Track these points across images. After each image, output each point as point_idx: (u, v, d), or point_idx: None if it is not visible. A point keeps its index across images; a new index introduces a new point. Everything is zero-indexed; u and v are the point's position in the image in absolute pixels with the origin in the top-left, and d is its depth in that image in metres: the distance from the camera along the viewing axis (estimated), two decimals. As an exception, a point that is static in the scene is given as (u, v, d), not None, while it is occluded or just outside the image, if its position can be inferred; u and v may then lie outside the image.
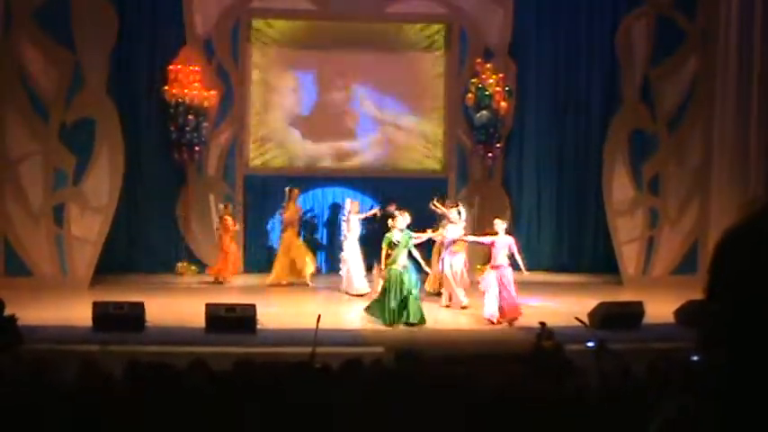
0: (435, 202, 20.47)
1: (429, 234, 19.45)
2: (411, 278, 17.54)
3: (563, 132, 24.48)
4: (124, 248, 23.26)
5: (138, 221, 23.43)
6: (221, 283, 21.94)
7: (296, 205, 22.22)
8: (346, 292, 20.59)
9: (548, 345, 12.29)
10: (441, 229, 19.73)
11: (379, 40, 24.20)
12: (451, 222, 19.39)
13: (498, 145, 23.89)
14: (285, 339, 15.25)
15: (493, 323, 17.38)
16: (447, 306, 19.09)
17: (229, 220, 22.33)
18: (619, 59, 23.06)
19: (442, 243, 19.72)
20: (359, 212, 21.17)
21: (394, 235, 17.66)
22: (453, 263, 19.18)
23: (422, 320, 17.16)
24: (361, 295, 20.08)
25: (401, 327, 17.00)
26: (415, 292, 17.41)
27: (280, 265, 22.04)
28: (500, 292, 17.41)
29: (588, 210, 24.42)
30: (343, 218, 21.23)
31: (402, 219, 18.00)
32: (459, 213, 19.57)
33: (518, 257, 17.65)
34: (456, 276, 19.18)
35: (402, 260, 17.60)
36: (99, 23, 21.38)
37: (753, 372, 1.66)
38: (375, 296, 18.13)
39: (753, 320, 1.66)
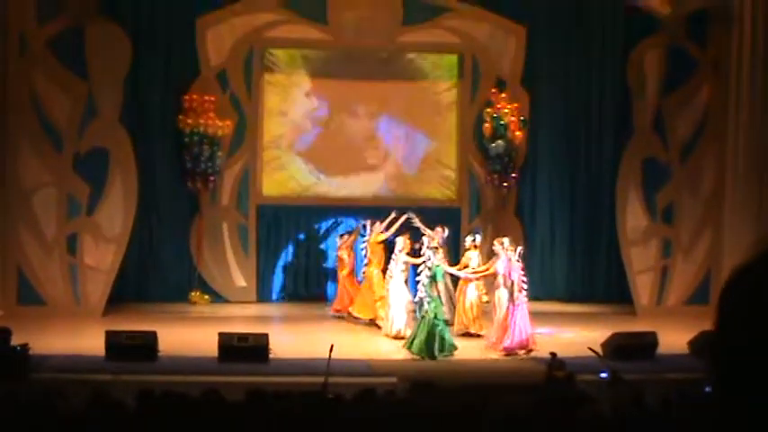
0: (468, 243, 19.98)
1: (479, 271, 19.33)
2: None
3: (576, 161, 24.46)
4: (137, 278, 23.26)
5: (152, 251, 23.43)
6: (343, 317, 21.19)
7: (379, 240, 20.87)
8: (386, 334, 19.22)
9: (560, 374, 12.28)
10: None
11: (392, 70, 24.27)
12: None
13: (513, 175, 23.87)
14: (298, 369, 15.25)
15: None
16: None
17: (344, 254, 21.58)
18: (631, 88, 23.07)
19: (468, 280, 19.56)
20: (411, 252, 19.60)
21: (440, 267, 17.74)
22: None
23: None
24: (401, 338, 18.68)
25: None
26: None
27: (363, 300, 20.77)
28: (506, 323, 17.38)
29: (601, 239, 24.36)
30: (393, 257, 19.69)
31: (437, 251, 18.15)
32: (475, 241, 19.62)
33: (512, 282, 17.53)
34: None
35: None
36: (112, 53, 21.46)
37: (763, 404, 1.66)
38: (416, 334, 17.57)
39: (762, 359, 1.66)
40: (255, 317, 21.80)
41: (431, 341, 17.00)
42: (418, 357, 16.97)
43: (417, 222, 20.18)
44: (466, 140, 24.30)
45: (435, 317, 17.18)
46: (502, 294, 18.05)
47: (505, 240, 18.59)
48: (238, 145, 23.59)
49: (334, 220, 24.28)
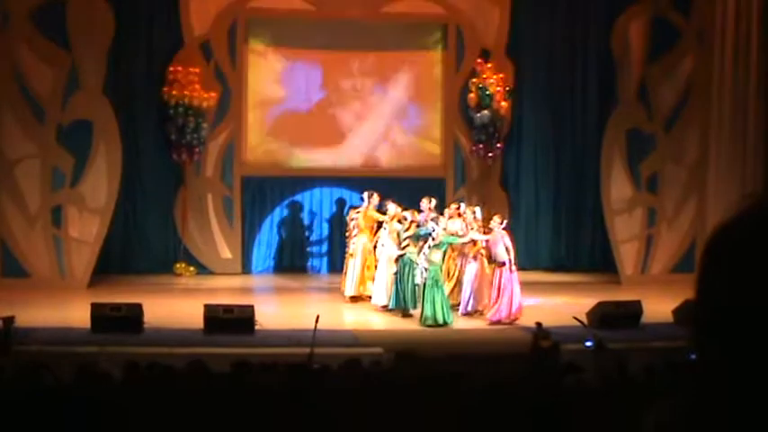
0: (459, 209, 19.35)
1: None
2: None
3: (560, 131, 24.46)
4: (122, 250, 23.22)
5: (136, 222, 23.39)
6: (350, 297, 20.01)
7: (374, 212, 20.06)
8: (374, 306, 18.91)
9: (545, 344, 12.33)
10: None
11: (376, 40, 24.21)
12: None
13: (499, 145, 23.86)
14: (283, 340, 15.25)
15: (493, 323, 17.40)
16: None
17: (355, 227, 20.39)
18: (615, 58, 23.07)
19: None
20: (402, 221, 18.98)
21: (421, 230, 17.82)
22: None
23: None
24: (384, 307, 18.65)
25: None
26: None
27: (361, 276, 19.90)
28: (498, 293, 17.44)
29: (586, 209, 24.39)
30: (384, 225, 19.31)
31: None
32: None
33: (509, 254, 17.61)
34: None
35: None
36: (95, 24, 21.36)
37: (746, 370, 1.66)
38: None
39: (745, 318, 1.66)
40: (241, 288, 21.80)
41: (439, 308, 17.15)
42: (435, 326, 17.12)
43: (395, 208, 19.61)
44: (451, 110, 24.27)
45: (436, 283, 17.25)
46: (471, 264, 18.23)
47: (477, 210, 18.77)
48: (222, 116, 23.52)
49: (319, 190, 24.23)
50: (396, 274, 18.27)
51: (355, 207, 21.21)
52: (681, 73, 22.83)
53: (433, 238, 17.64)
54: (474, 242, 18.27)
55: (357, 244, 20.06)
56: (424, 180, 23.49)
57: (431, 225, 17.98)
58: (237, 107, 23.67)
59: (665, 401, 1.81)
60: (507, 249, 17.59)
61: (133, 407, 8.03)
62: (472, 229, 18.21)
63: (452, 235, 18.15)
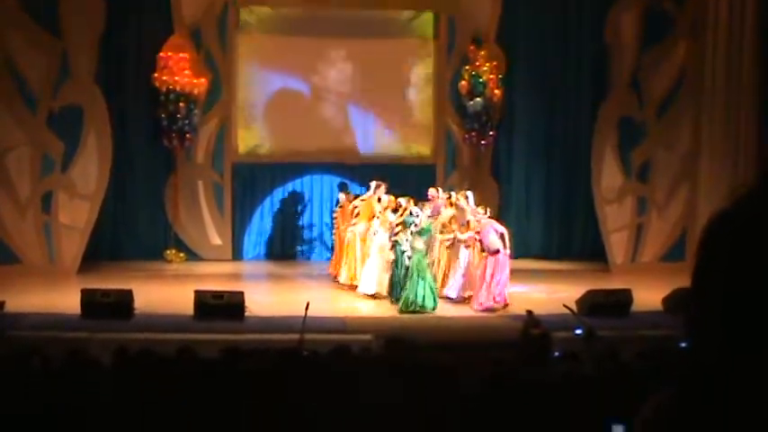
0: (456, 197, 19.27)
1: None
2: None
3: (552, 120, 24.44)
4: (112, 236, 23.21)
5: (127, 209, 23.36)
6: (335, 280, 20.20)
7: (376, 202, 19.53)
8: (363, 294, 18.76)
9: (535, 332, 12.32)
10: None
11: (367, 27, 24.17)
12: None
13: (491, 133, 23.82)
14: (273, 326, 15.25)
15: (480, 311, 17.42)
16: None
17: (346, 209, 20.48)
18: (608, 46, 23.05)
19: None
20: (396, 208, 18.78)
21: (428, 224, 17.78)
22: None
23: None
24: (372, 296, 18.63)
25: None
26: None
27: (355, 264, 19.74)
28: (483, 281, 17.48)
29: (577, 197, 24.37)
30: (378, 214, 19.08)
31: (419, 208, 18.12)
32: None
33: (503, 240, 17.67)
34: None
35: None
36: (86, 10, 21.30)
37: (738, 360, 1.66)
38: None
39: (738, 308, 1.65)
40: (231, 275, 21.77)
41: (421, 294, 17.13)
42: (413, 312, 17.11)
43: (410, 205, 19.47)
44: (442, 98, 24.25)
45: (419, 270, 17.24)
46: (464, 252, 18.25)
47: (469, 194, 18.86)
48: (213, 103, 23.48)
49: (310, 177, 24.22)
50: (393, 261, 18.21)
51: (348, 193, 21.17)
52: (674, 61, 22.81)
53: (416, 225, 17.64)
54: (455, 226, 18.41)
55: (355, 232, 19.89)
56: (414, 167, 23.52)
57: (415, 210, 17.94)
58: (228, 94, 23.64)
59: (663, 391, 1.81)
60: (502, 235, 17.63)
61: (123, 392, 8.02)
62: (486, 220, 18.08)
63: (431, 219, 18.14)
